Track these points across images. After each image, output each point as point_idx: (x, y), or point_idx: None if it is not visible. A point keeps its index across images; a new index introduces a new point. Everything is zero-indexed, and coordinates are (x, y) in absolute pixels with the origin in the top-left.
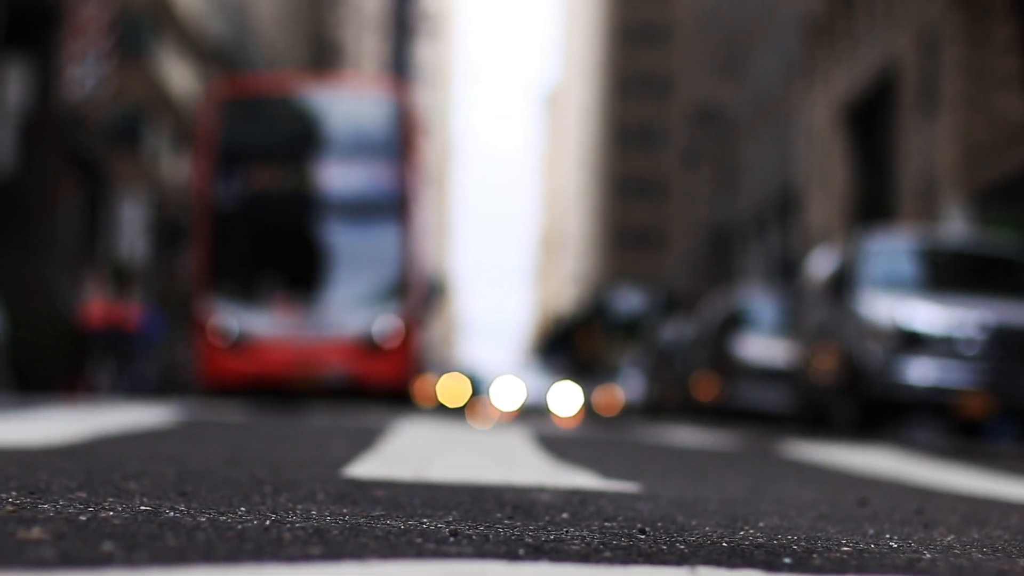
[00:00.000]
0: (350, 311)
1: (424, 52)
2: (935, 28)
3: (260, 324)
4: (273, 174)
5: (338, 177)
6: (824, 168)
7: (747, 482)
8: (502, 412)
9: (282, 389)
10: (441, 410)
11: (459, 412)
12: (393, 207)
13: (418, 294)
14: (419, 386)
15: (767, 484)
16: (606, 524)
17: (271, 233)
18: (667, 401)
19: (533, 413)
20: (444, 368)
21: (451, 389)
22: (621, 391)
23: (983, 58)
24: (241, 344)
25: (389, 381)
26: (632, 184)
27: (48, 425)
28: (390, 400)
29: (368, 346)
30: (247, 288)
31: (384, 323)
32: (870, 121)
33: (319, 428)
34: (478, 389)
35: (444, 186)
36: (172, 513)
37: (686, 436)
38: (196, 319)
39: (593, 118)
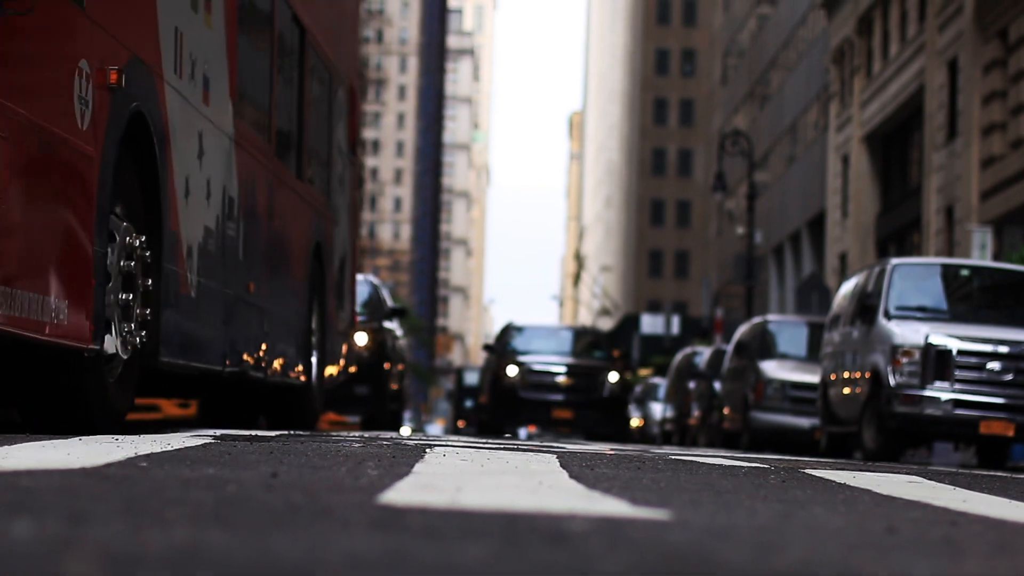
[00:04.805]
0: None
1: (460, 76)
2: (960, 56)
3: None
4: None
5: None
6: (850, 194)
7: (777, 508)
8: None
9: None
10: None
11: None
12: None
13: None
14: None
15: (796, 510)
16: (639, 554)
17: None
18: (693, 426)
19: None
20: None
21: None
22: (647, 416)
23: (1008, 86)
24: None
25: None
26: (658, 210)
27: (85, 446)
28: None
29: None
30: None
31: None
32: (896, 147)
33: (353, 450)
34: None
35: (481, 208)
36: (213, 542)
37: (713, 460)
38: None
39: (620, 144)
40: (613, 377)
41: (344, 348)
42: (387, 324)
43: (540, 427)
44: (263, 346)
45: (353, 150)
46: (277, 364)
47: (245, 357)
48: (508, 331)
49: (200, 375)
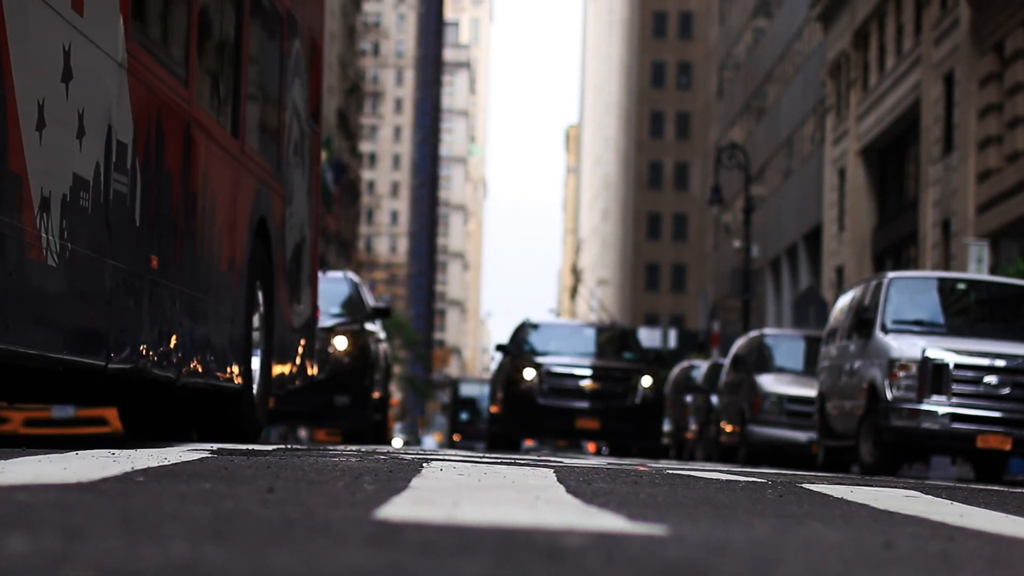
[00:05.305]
0: None
1: (456, 88)
2: (957, 69)
3: None
4: None
5: None
6: (847, 207)
7: (773, 523)
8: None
9: None
10: None
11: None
12: None
13: None
14: None
15: (793, 525)
16: (636, 570)
17: None
18: (691, 440)
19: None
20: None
21: None
22: None
23: (1004, 99)
24: None
25: None
26: (655, 223)
27: (82, 460)
28: None
29: None
30: None
31: None
32: (892, 160)
33: (350, 464)
34: None
35: (477, 221)
36: (209, 557)
37: (711, 474)
38: None
39: (617, 157)
40: (647, 381)
41: (301, 347)
42: (369, 326)
43: (564, 439)
44: (173, 338)
45: (315, 118)
46: (196, 362)
47: (143, 350)
48: (524, 329)
49: (73, 372)
